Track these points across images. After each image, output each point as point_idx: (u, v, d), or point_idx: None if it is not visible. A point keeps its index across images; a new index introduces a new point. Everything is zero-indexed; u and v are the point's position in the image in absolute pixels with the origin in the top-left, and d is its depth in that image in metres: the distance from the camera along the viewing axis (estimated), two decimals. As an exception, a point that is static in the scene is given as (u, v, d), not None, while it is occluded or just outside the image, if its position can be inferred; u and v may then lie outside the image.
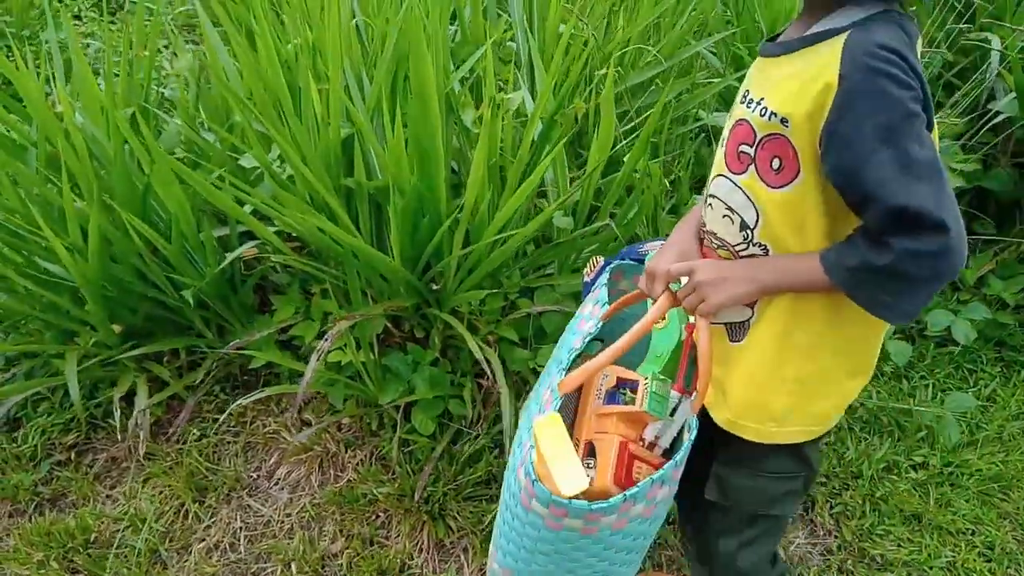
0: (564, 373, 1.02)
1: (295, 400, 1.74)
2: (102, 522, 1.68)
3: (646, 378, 1.03)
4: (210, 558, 1.64)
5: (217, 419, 1.86)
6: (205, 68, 2.04)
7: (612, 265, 1.23)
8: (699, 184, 2.10)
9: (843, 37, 0.80)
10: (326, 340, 1.51)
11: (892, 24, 0.82)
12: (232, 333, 1.87)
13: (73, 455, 1.83)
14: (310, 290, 1.85)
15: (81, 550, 1.62)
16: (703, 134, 2.24)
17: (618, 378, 1.06)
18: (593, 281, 1.29)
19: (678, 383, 1.01)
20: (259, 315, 1.90)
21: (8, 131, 1.86)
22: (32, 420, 1.85)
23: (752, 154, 0.88)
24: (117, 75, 1.91)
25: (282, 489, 1.79)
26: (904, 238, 0.77)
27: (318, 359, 1.52)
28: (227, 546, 1.66)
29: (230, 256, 1.67)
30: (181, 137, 1.92)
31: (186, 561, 1.63)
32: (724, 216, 0.94)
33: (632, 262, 1.28)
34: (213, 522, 1.70)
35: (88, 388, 1.87)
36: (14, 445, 1.81)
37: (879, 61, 0.77)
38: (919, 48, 0.86)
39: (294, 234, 1.75)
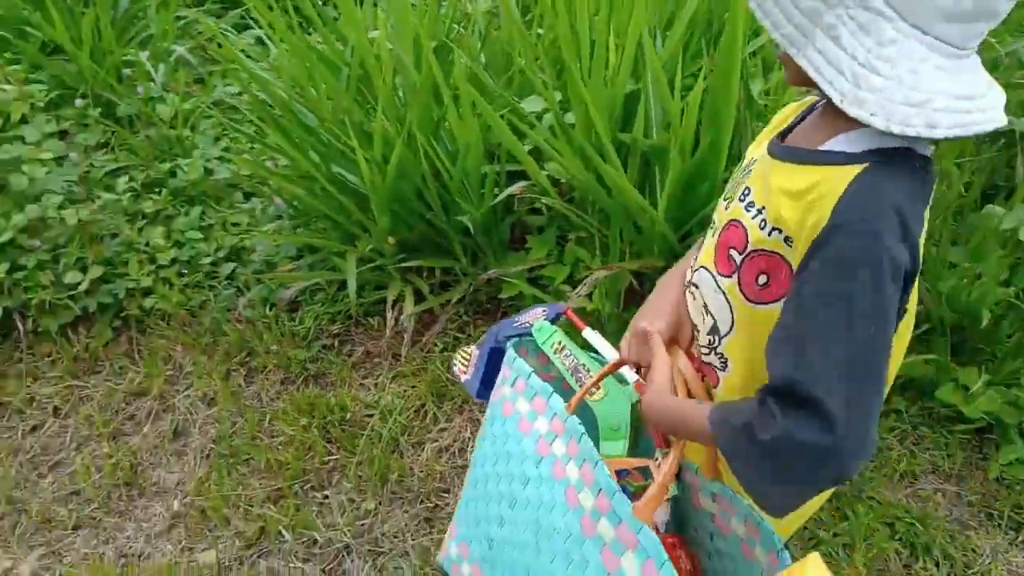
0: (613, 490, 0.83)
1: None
2: (356, 405, 1.91)
3: (656, 459, 0.92)
4: (440, 457, 1.81)
5: (459, 337, 2.03)
6: (499, 14, 2.16)
7: (513, 342, 1.07)
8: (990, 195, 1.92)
9: (854, 172, 0.69)
10: (584, 285, 1.59)
11: (913, 169, 0.71)
12: (485, 263, 2.01)
13: (337, 342, 2.08)
14: (564, 236, 1.94)
15: (337, 424, 1.86)
16: (1002, 138, 2.03)
17: (615, 470, 0.91)
18: (484, 375, 1.14)
19: (663, 445, 0.90)
20: (512, 251, 2.03)
21: (325, 50, 2.11)
22: (309, 306, 2.13)
23: (738, 262, 0.80)
24: (426, 8, 2.08)
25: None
26: (792, 419, 0.67)
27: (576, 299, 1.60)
28: (456, 450, 1.83)
29: (504, 192, 1.79)
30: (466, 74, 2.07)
31: (419, 455, 1.82)
32: (700, 312, 0.88)
33: (522, 337, 1.11)
34: (447, 427, 1.87)
35: (358, 288, 2.11)
36: (292, 324, 2.09)
37: (875, 223, 0.67)
38: (932, 193, 0.75)
39: (562, 180, 1.84)
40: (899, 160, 0.70)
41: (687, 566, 0.90)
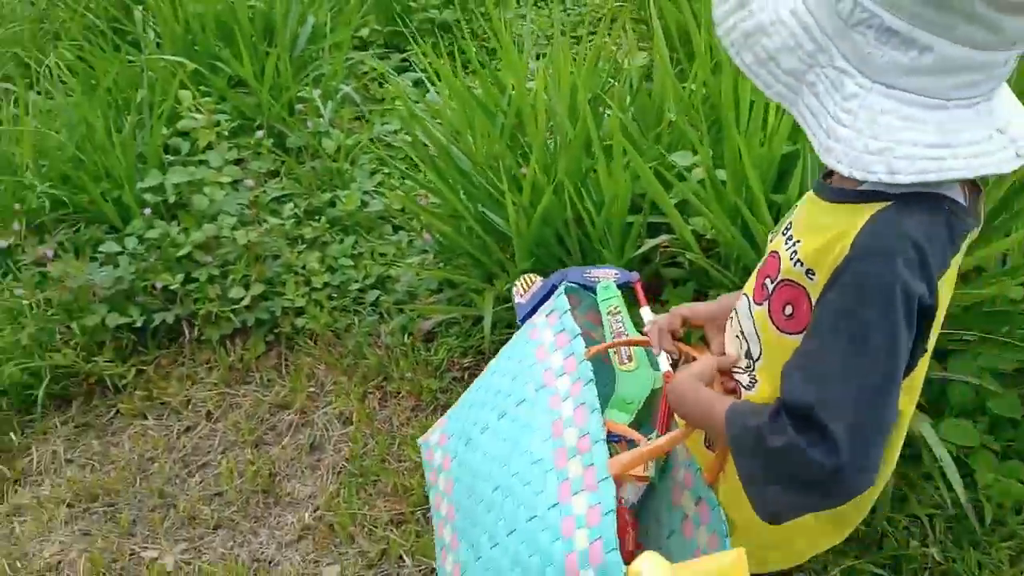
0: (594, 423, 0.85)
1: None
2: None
3: (648, 438, 0.95)
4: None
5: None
6: (653, 68, 2.19)
7: (564, 286, 1.07)
8: None
9: (876, 209, 0.73)
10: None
11: (936, 209, 0.73)
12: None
13: (467, 375, 2.13)
14: (702, 291, 1.90)
15: (462, 458, 1.90)
16: None
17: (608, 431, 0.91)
18: (536, 305, 1.12)
19: (662, 432, 0.95)
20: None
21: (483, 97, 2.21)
22: (443, 338, 2.20)
23: (770, 291, 0.84)
24: (584, 61, 2.13)
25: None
26: (802, 436, 0.71)
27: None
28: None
29: (647, 244, 1.79)
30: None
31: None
32: (736, 337, 0.93)
33: (581, 287, 1.12)
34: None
35: (492, 325, 2.16)
36: (427, 354, 2.17)
37: (890, 255, 0.70)
38: (964, 245, 0.76)
39: (706, 234, 1.81)
40: (924, 200, 0.72)
41: (631, 547, 0.92)
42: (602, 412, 0.89)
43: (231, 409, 2.15)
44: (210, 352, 2.24)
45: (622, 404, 1.05)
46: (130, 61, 2.75)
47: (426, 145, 2.18)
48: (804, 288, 0.78)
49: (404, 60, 3.44)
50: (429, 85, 3.18)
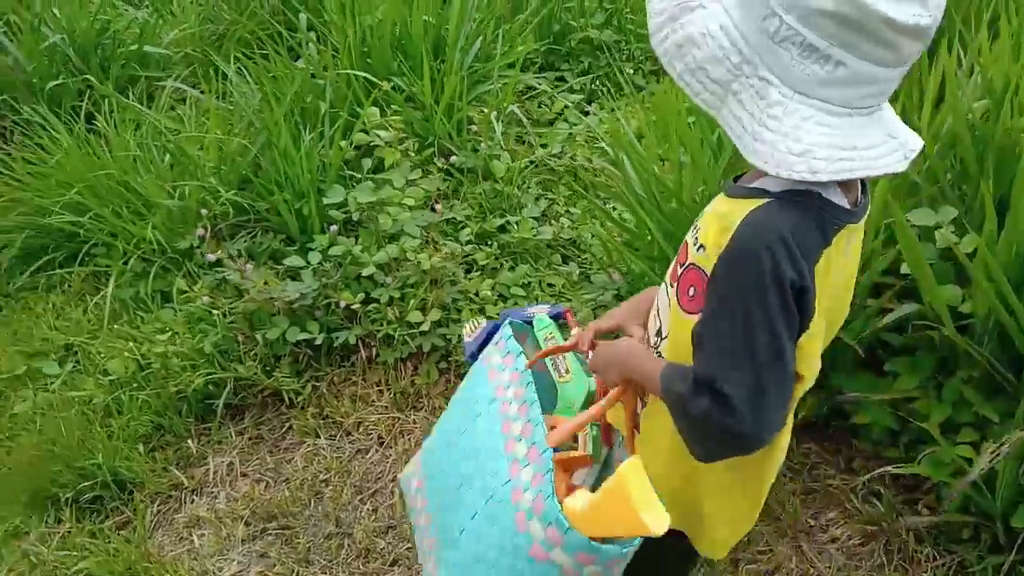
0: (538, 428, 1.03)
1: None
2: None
3: (587, 428, 1.12)
4: (763, 585, 1.67)
5: (807, 451, 1.89)
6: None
7: (509, 321, 1.24)
8: None
9: (756, 205, 0.83)
10: (986, 454, 1.38)
11: (806, 207, 0.83)
12: (834, 380, 1.85)
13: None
14: (944, 369, 1.73)
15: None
16: None
17: (550, 426, 1.06)
18: (483, 344, 1.30)
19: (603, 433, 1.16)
20: (862, 370, 1.85)
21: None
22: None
23: (679, 275, 0.95)
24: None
25: (838, 549, 1.74)
26: (712, 404, 0.83)
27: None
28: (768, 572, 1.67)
29: (896, 313, 1.63)
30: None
31: (740, 576, 1.68)
32: (654, 315, 1.05)
33: (524, 323, 1.29)
34: (767, 551, 1.72)
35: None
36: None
37: (764, 249, 0.80)
38: (837, 238, 0.86)
39: (957, 307, 1.64)
40: (797, 199, 0.83)
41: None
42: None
43: (401, 435, 2.09)
44: (382, 374, 2.20)
45: (567, 410, 1.20)
46: (311, 75, 2.75)
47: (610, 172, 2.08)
48: (703, 270, 0.88)
49: (559, 79, 3.37)
50: (588, 107, 3.14)
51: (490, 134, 2.73)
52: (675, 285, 0.95)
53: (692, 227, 0.96)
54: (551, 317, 1.34)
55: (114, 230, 2.51)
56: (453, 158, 2.64)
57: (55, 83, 3.06)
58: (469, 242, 2.39)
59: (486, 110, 2.76)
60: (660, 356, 1.00)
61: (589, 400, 1.19)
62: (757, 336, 0.82)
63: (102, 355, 2.23)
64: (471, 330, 1.40)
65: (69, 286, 2.55)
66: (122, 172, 2.58)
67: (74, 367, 2.23)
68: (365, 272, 2.17)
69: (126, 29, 3.47)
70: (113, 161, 2.62)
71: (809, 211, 0.83)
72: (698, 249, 0.90)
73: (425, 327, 2.13)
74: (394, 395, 2.15)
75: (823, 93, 0.78)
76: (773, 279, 0.80)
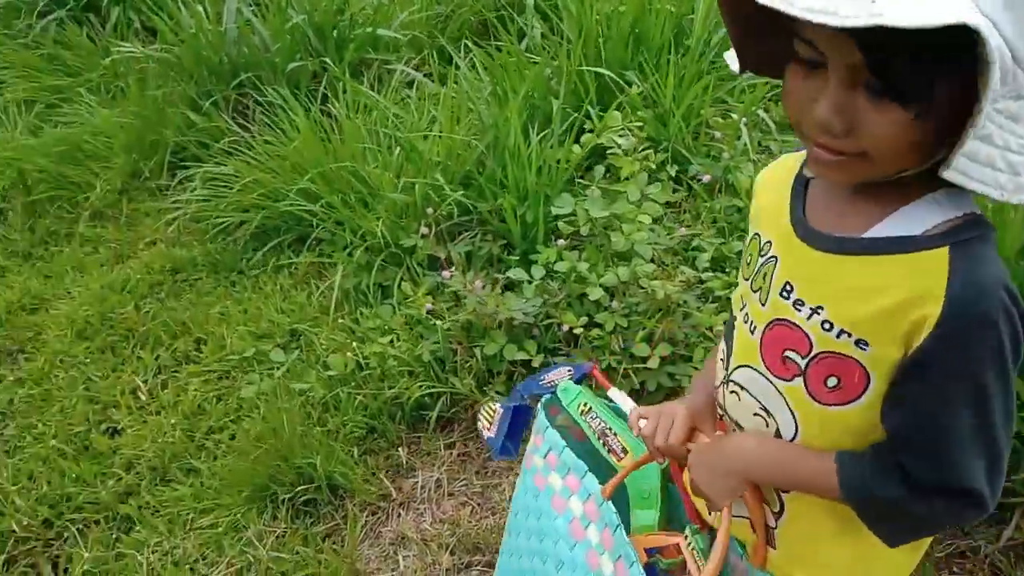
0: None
1: None
2: None
3: (686, 537, 0.91)
4: None
5: None
6: None
7: (545, 399, 1.10)
8: None
9: (941, 261, 0.68)
10: None
11: (987, 237, 0.70)
12: None
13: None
14: None
15: None
16: None
17: (646, 550, 0.92)
18: (508, 433, 1.14)
19: (697, 521, 0.97)
20: None
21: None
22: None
23: (802, 366, 0.77)
24: None
25: None
26: (942, 498, 0.73)
27: None
28: None
29: None
30: None
31: None
32: (756, 415, 0.85)
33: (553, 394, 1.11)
34: None
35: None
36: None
37: (999, 309, 0.67)
38: None
39: None
40: (974, 233, 0.70)
41: None
42: (627, 517, 0.96)
43: (614, 478, 1.92)
44: (598, 406, 2.03)
45: (640, 501, 1.01)
46: (534, 62, 2.60)
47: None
48: (855, 359, 0.74)
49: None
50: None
51: (734, 141, 2.43)
52: (797, 380, 0.78)
53: (780, 299, 0.78)
54: (575, 381, 1.13)
55: (341, 219, 2.53)
56: (692, 168, 2.38)
57: (295, 64, 3.15)
58: (706, 268, 2.14)
59: (734, 115, 2.47)
60: None
61: (665, 482, 1.02)
62: (995, 411, 0.71)
63: (324, 347, 2.24)
64: (488, 420, 1.18)
65: (296, 269, 2.62)
66: (352, 160, 2.59)
67: (298, 356, 2.26)
68: (592, 295, 2.00)
69: (361, 10, 3.51)
70: (344, 147, 2.64)
71: (988, 239, 0.71)
72: (838, 335, 0.74)
73: (652, 363, 1.93)
74: (610, 431, 1.97)
75: None
76: (1011, 341, 0.68)
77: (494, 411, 1.18)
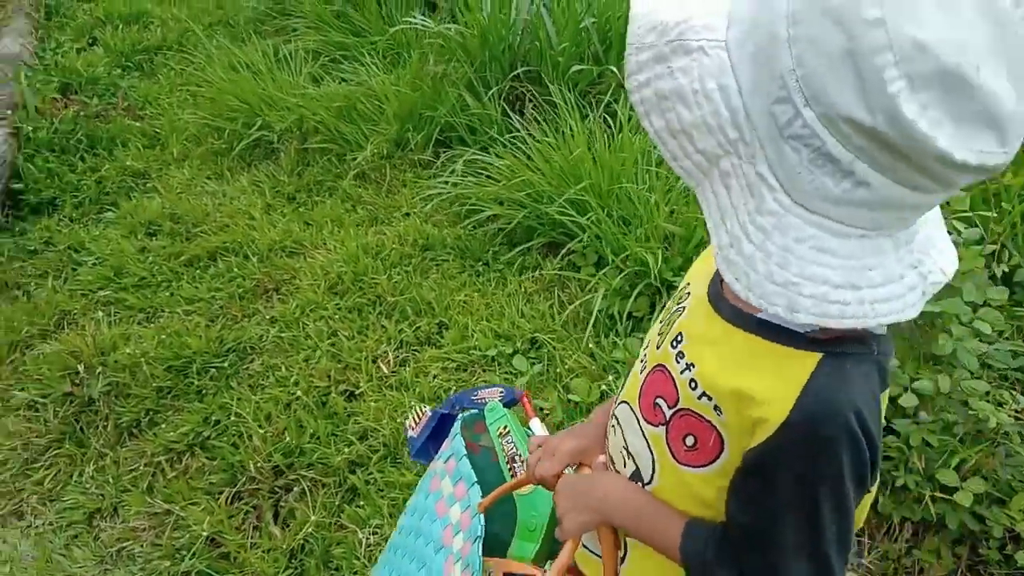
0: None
1: None
2: None
3: (544, 571, 0.99)
4: None
5: None
6: None
7: (463, 416, 1.14)
8: None
9: (808, 367, 0.68)
10: None
11: (869, 358, 0.70)
12: None
13: None
14: None
15: None
16: None
17: (505, 574, 1.00)
18: (428, 437, 1.21)
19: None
20: None
21: None
22: None
23: (667, 416, 0.78)
24: None
25: None
26: None
27: None
28: None
29: None
30: None
31: None
32: (621, 452, 0.87)
33: (477, 411, 1.16)
34: None
35: None
36: None
37: (842, 432, 0.66)
38: (889, 371, 0.73)
39: None
40: (855, 349, 0.69)
41: None
42: (509, 544, 1.04)
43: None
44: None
45: (525, 533, 1.05)
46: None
47: None
48: (711, 423, 0.74)
49: None
50: None
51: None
52: (661, 428, 0.80)
53: (667, 347, 0.80)
54: (505, 404, 1.18)
55: (600, 234, 2.42)
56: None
57: (580, 67, 3.08)
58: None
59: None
60: None
61: (552, 526, 1.03)
62: (825, 531, 0.69)
63: (567, 367, 2.14)
64: (416, 421, 1.26)
65: (542, 274, 2.54)
66: (624, 177, 2.47)
67: (540, 368, 2.17)
68: (904, 401, 1.73)
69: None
70: (616, 162, 2.53)
71: (869, 363, 0.69)
72: (699, 396, 0.75)
73: (963, 499, 1.63)
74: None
75: (831, 211, 0.59)
76: (853, 470, 0.67)
77: (423, 414, 1.25)
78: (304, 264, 2.65)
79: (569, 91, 2.96)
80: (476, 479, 1.05)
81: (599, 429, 0.96)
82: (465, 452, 1.10)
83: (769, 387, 0.68)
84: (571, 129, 2.69)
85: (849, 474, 0.67)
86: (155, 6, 4.74)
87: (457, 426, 1.16)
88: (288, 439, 2.02)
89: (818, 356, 0.68)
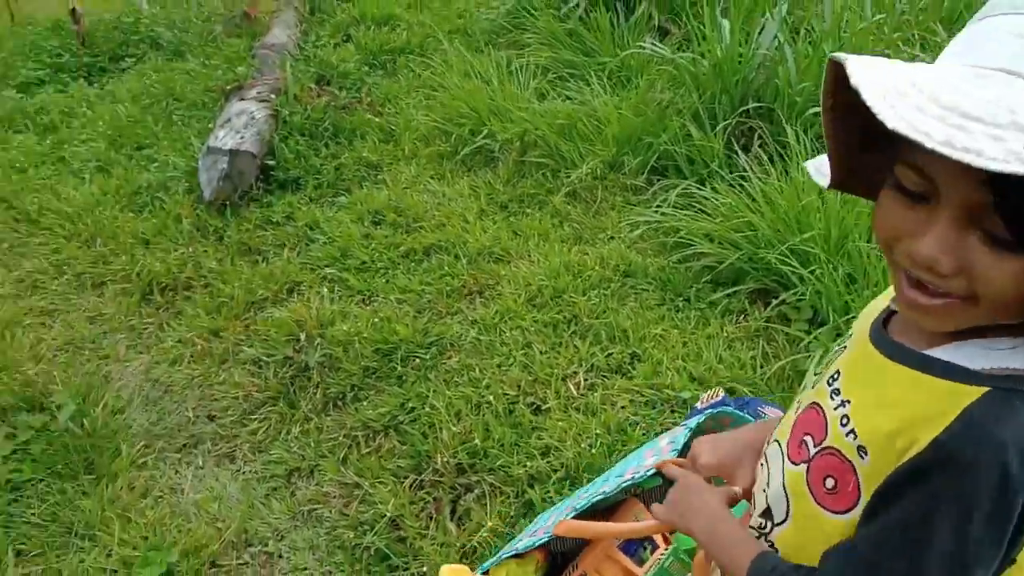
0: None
1: None
2: None
3: (666, 549, 1.08)
4: None
5: None
6: None
7: (720, 411, 1.25)
8: None
9: (971, 397, 0.62)
10: None
11: None
12: None
13: None
14: None
15: None
16: None
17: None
18: (702, 411, 1.32)
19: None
20: None
21: None
22: None
23: (811, 454, 0.75)
24: None
25: None
26: None
27: None
28: None
29: None
30: None
31: None
32: (762, 489, 0.84)
33: (743, 413, 1.26)
34: None
35: None
36: None
37: (993, 463, 0.59)
38: None
39: None
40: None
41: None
42: None
43: None
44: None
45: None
46: None
47: None
48: (852, 465, 0.70)
49: None
50: None
51: None
52: (803, 466, 0.76)
53: (823, 384, 0.77)
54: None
55: (823, 289, 2.27)
56: None
57: (816, 110, 2.92)
58: None
59: None
60: (770, 544, 0.81)
61: None
62: (929, 568, 0.63)
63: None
64: (708, 397, 1.38)
65: (747, 320, 2.43)
66: (848, 233, 2.30)
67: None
68: None
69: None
70: (852, 216, 2.36)
71: None
72: (848, 435, 0.70)
73: None
74: None
75: None
76: (993, 517, 0.60)
77: (717, 394, 1.43)
78: (508, 272, 2.73)
79: (804, 133, 2.81)
80: (679, 449, 1.18)
81: (737, 445, 0.98)
82: (691, 427, 1.24)
83: (923, 417, 0.64)
84: (802, 173, 2.55)
85: (984, 518, 0.61)
86: (404, 11, 5.13)
87: (701, 417, 1.28)
88: (475, 440, 2.08)
89: (984, 389, 0.63)
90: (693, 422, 1.29)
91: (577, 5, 4.26)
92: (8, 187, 3.53)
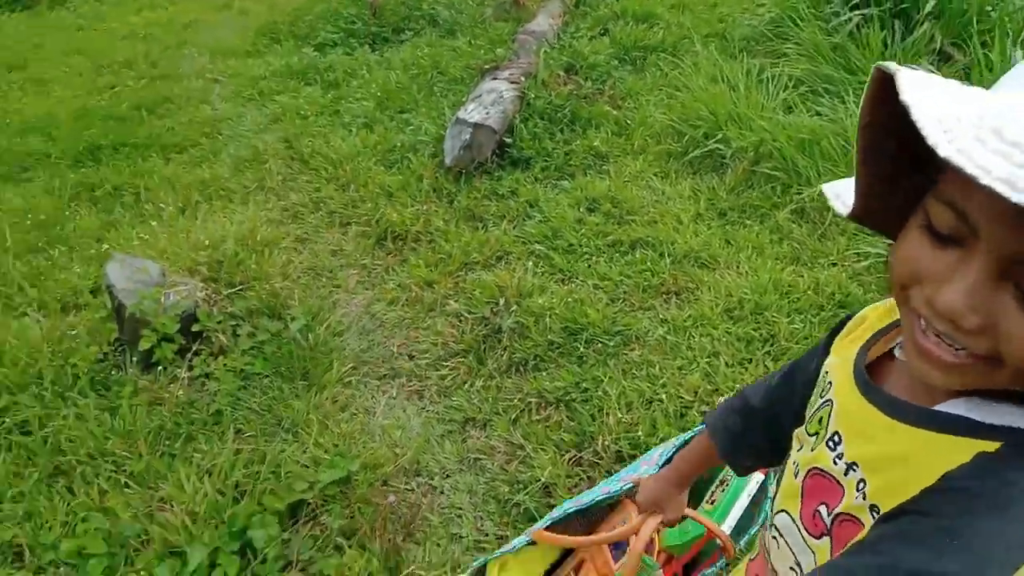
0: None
1: None
2: None
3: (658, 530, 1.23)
4: None
5: None
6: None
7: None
8: None
9: (981, 447, 0.58)
10: None
11: None
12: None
13: None
14: None
15: None
16: None
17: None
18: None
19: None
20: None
21: None
22: None
23: (828, 526, 0.71)
24: None
25: None
26: None
27: None
28: None
29: None
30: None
31: None
32: (792, 569, 0.78)
33: None
34: None
35: None
36: None
37: (1006, 507, 0.55)
38: None
39: None
40: None
41: None
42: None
43: None
44: None
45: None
46: None
47: None
48: (862, 522, 0.66)
49: None
50: None
51: None
52: (823, 538, 0.71)
53: (823, 447, 0.72)
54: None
55: None
56: None
57: None
58: None
59: None
60: None
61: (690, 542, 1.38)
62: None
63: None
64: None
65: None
66: None
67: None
68: None
69: None
70: None
71: None
72: (860, 497, 0.65)
73: None
74: None
75: None
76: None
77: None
78: (711, 279, 2.68)
79: None
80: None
81: (659, 485, 1.15)
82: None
83: (931, 458, 0.60)
84: None
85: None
86: (666, 10, 5.14)
87: (683, 437, 1.46)
88: (639, 432, 2.10)
89: (1000, 443, 0.58)
90: (680, 439, 1.47)
91: (849, 19, 3.99)
92: (292, 130, 4.12)
